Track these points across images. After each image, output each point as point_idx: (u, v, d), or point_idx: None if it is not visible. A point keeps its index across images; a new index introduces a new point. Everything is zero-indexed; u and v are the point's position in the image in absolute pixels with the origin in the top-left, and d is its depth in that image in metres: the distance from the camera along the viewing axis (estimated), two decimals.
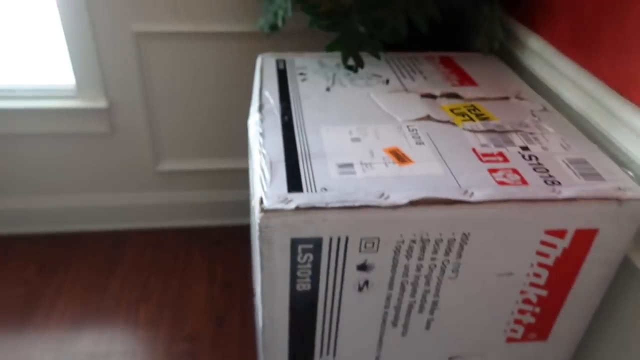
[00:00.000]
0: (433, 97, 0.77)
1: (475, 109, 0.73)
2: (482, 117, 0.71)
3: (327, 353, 0.67)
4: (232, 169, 1.57)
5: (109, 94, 1.41)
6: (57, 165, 1.52)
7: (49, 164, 1.52)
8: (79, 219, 1.62)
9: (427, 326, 0.66)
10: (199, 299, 1.43)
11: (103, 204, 1.61)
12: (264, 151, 0.61)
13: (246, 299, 1.43)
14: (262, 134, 0.65)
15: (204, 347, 1.29)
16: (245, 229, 1.66)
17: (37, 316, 1.36)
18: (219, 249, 1.60)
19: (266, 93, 0.76)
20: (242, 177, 1.60)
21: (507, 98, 0.77)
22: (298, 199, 0.53)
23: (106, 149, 1.51)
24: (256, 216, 0.53)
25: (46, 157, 1.50)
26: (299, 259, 0.56)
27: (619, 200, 0.55)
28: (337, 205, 0.52)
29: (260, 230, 0.53)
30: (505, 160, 0.61)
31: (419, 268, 0.59)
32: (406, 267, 0.59)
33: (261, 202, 0.53)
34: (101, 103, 1.41)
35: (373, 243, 0.56)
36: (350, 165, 0.59)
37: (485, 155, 0.62)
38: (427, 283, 0.61)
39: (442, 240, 0.56)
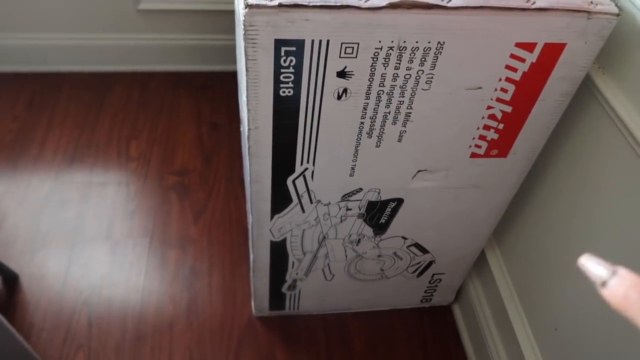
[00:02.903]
0: None
1: None
2: None
3: (307, 161, 0.73)
4: (216, 10, 1.53)
5: None
6: (37, 1, 1.47)
7: (27, 0, 1.46)
8: (63, 59, 1.61)
9: (400, 138, 0.71)
10: (188, 138, 1.48)
11: (86, 44, 1.58)
12: None
13: (233, 139, 1.49)
14: None
15: (193, 180, 1.38)
16: (231, 75, 1.67)
17: (31, 149, 1.42)
18: (206, 93, 1.63)
19: None
20: (227, 21, 1.56)
21: None
22: None
23: None
24: (241, 14, 0.55)
25: None
26: (282, 62, 0.59)
27: (588, 13, 0.58)
28: (318, 3, 0.54)
29: (245, 29, 0.55)
30: None
31: (395, 78, 0.63)
32: (383, 76, 0.62)
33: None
34: None
35: (352, 48, 0.59)
36: None
37: None
38: (402, 94, 0.65)
39: (417, 48, 0.59)
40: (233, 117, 1.55)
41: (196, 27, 1.58)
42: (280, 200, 0.80)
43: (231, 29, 1.56)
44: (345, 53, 0.59)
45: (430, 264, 1.00)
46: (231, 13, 1.53)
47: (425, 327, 1.14)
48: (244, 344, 1.09)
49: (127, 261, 1.20)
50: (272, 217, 0.83)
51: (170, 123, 1.52)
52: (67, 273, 1.17)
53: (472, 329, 1.09)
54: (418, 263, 0.99)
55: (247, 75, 0.61)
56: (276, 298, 1.06)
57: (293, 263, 0.95)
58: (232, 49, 1.60)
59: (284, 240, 0.89)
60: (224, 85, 1.65)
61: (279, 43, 0.57)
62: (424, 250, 0.96)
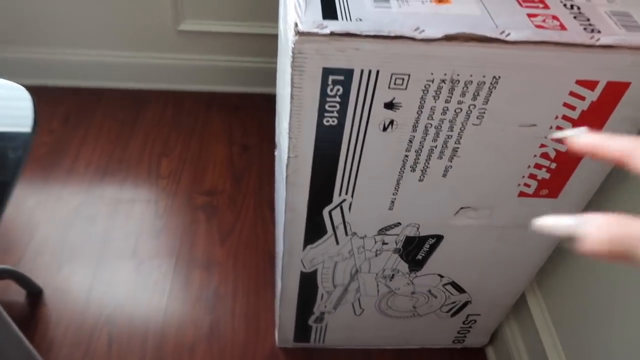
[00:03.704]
0: None
1: None
2: None
3: (346, 192, 0.71)
4: (254, 34, 1.54)
5: None
6: (80, 18, 1.49)
7: (71, 17, 1.49)
8: (101, 75, 1.63)
9: (445, 174, 0.68)
10: (218, 158, 1.48)
11: (125, 61, 1.60)
12: None
13: (264, 161, 1.48)
14: None
15: (222, 201, 1.36)
16: (263, 97, 1.66)
17: (64, 162, 1.42)
18: (238, 114, 1.62)
19: None
20: (263, 44, 1.56)
21: None
22: (333, 26, 0.52)
23: (128, 5, 1.47)
24: (290, 41, 0.53)
25: (69, 10, 1.47)
26: (328, 91, 0.57)
27: None
28: (371, 33, 0.52)
29: (294, 56, 0.53)
30: (546, 7, 0.59)
31: (444, 111, 0.60)
32: (432, 109, 0.60)
33: (296, 25, 0.52)
34: None
35: (403, 79, 0.56)
36: None
37: (525, 0, 0.60)
38: (451, 128, 0.62)
39: (471, 82, 0.57)
40: (264, 139, 1.54)
41: (232, 49, 1.59)
42: (314, 230, 0.77)
43: (266, 52, 1.56)
44: (394, 84, 0.57)
45: (466, 304, 0.95)
46: (268, 37, 1.53)
47: None
48: None
49: (151, 280, 1.19)
50: (304, 248, 0.80)
51: (202, 142, 1.51)
52: (91, 289, 1.16)
53: None
54: (453, 302, 0.95)
55: (291, 103, 0.59)
56: (302, 330, 1.02)
57: (322, 295, 0.92)
58: (267, 71, 1.60)
59: (315, 271, 0.86)
60: (256, 106, 1.65)
61: (326, 72, 0.55)
62: (460, 290, 0.91)
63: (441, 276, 0.88)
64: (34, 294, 1.14)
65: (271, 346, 1.09)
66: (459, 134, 0.63)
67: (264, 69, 1.62)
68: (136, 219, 1.31)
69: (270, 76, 1.58)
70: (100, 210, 1.32)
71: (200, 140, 1.52)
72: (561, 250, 0.86)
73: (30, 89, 0.78)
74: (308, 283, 0.88)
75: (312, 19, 0.54)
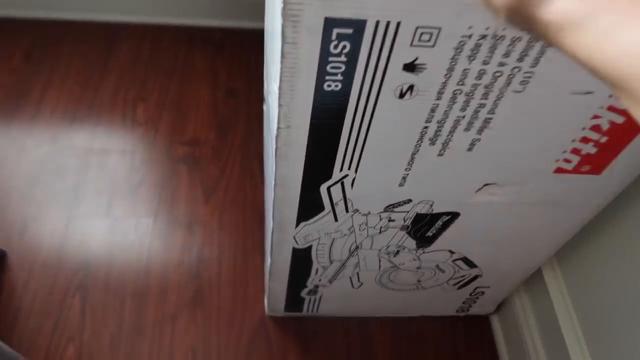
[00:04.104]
0: None
1: None
2: None
3: (349, 167, 0.58)
4: None
5: None
6: None
7: None
8: (69, 4, 1.43)
9: (470, 147, 0.56)
10: (201, 104, 1.33)
11: None
12: None
13: (252, 108, 1.33)
14: None
15: (205, 152, 1.23)
16: (253, 34, 1.49)
17: (27, 106, 1.27)
18: (223, 52, 1.45)
19: None
20: None
21: None
22: None
23: None
24: None
25: None
26: (332, 48, 0.44)
27: None
28: None
29: (285, 2, 0.39)
30: None
31: (480, 75, 0.47)
32: (465, 72, 0.46)
33: None
34: None
35: (431, 35, 0.43)
36: None
37: None
38: (485, 95, 0.49)
39: (520, 39, 0.43)
40: (252, 81, 1.39)
41: None
42: (309, 207, 0.65)
43: None
44: (419, 40, 0.43)
45: (475, 277, 0.86)
46: None
47: (457, 337, 1.02)
48: (254, 346, 0.98)
49: (127, 242, 1.08)
50: (297, 224, 0.69)
51: (183, 85, 1.35)
52: (60, 252, 1.05)
53: (512, 344, 0.97)
54: (462, 276, 0.86)
55: (282, 63, 0.45)
56: (293, 301, 0.93)
57: (317, 270, 0.82)
58: (255, 3, 1.42)
59: (309, 247, 0.75)
60: (243, 44, 1.47)
61: (330, 23, 0.41)
62: (471, 265, 0.82)
63: (452, 252, 0.78)
64: None
65: (260, 315, 1.01)
66: (494, 102, 0.50)
67: (252, 1, 1.43)
68: (110, 172, 1.18)
69: (260, 8, 1.40)
70: (69, 162, 1.18)
71: (181, 82, 1.36)
72: (590, 228, 0.75)
73: None
74: (301, 258, 0.78)
75: None
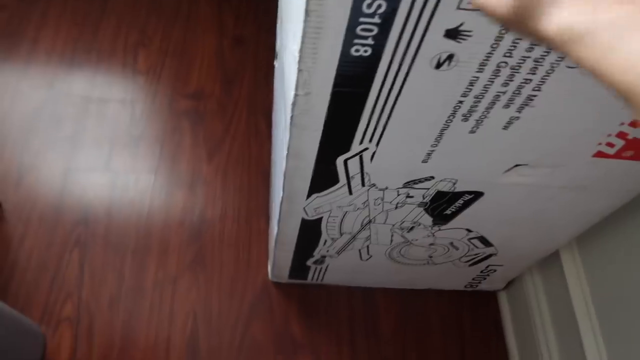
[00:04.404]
0: None
1: None
2: None
3: (370, 140, 0.53)
4: None
5: None
6: None
7: None
8: None
9: (507, 126, 0.50)
10: (206, 52, 1.25)
11: None
12: None
13: (260, 59, 1.25)
14: None
15: (209, 106, 1.17)
16: None
17: (21, 47, 1.19)
18: None
19: None
20: None
21: None
22: None
23: None
24: None
25: None
26: (364, 7, 0.37)
27: None
28: None
29: None
30: None
31: (530, 48, 0.41)
32: (514, 44, 0.40)
33: None
34: None
35: None
36: None
37: None
38: (534, 70, 0.43)
39: None
40: (261, 29, 1.30)
41: None
42: (322, 179, 0.61)
43: None
44: (468, 3, 0.37)
45: (489, 256, 0.82)
46: None
47: (464, 312, 0.99)
48: (256, 311, 0.95)
49: (127, 198, 1.04)
50: (308, 196, 0.64)
51: (187, 32, 1.27)
52: (59, 205, 1.01)
53: (519, 322, 0.94)
54: (476, 254, 0.82)
55: (305, 22, 0.39)
56: (298, 269, 0.90)
57: (325, 241, 0.78)
58: None
59: (319, 219, 0.71)
60: None
61: None
62: (487, 244, 0.78)
63: (469, 230, 0.73)
64: None
65: (263, 280, 0.98)
66: (542, 78, 0.44)
67: None
68: (109, 123, 1.12)
69: None
70: (67, 111, 1.12)
71: (185, 28, 1.28)
72: (615, 214, 0.71)
73: None
74: (310, 229, 0.74)
75: None
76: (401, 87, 0.45)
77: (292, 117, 0.50)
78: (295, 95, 0.47)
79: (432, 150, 0.55)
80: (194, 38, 1.27)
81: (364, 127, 0.51)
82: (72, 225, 1.00)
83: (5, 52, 1.18)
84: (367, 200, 0.65)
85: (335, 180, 0.60)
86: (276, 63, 0.80)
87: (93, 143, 1.09)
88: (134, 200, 1.03)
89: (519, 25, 0.23)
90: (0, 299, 0.75)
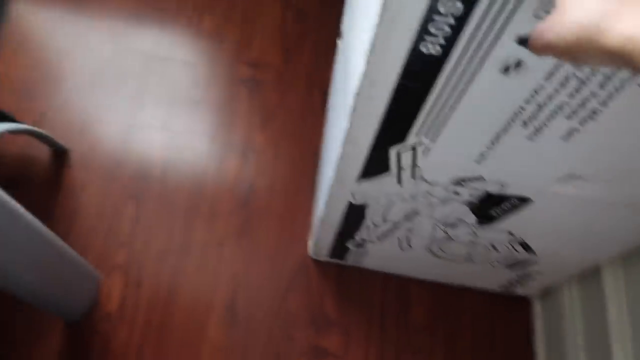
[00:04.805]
0: None
1: None
2: None
3: (426, 135, 0.54)
4: None
5: None
6: None
7: None
8: None
9: (567, 137, 0.50)
10: (269, 22, 1.26)
11: None
12: None
13: (322, 34, 1.26)
14: None
15: (268, 76, 1.19)
16: None
17: (92, 0, 1.24)
18: None
19: None
20: None
21: None
22: None
23: None
24: None
25: None
26: (439, 6, 0.38)
27: None
28: None
29: None
30: None
31: None
32: None
33: None
34: None
35: None
36: None
37: None
38: (602, 85, 0.42)
39: None
40: (325, 4, 1.30)
41: None
42: (374, 166, 0.62)
43: None
44: (544, 11, 0.37)
45: (529, 261, 0.82)
46: None
47: (496, 314, 0.99)
48: (294, 284, 0.98)
49: (182, 158, 1.08)
50: (358, 181, 0.66)
51: (252, 0, 1.28)
52: (119, 158, 1.07)
53: (551, 330, 0.94)
54: (515, 258, 0.81)
55: (380, 15, 0.40)
56: (338, 249, 0.92)
57: (368, 227, 0.79)
58: None
59: (365, 204, 0.72)
60: None
61: None
62: (528, 250, 0.77)
63: (512, 234, 0.73)
64: (59, 153, 1.06)
65: (303, 255, 1.01)
66: (611, 93, 0.43)
67: None
68: (171, 83, 1.16)
69: None
70: (132, 66, 1.17)
71: None
72: None
73: None
74: (354, 213, 0.75)
75: None
76: (465, 87, 0.46)
77: (353, 106, 0.51)
78: (361, 85, 0.48)
79: (487, 152, 0.55)
80: (259, 6, 1.28)
81: (422, 121, 0.52)
82: (130, 179, 1.05)
83: (76, 3, 1.23)
84: (415, 192, 0.66)
85: (386, 169, 0.62)
86: (340, 42, 0.81)
87: (154, 101, 1.14)
88: (189, 161, 1.08)
89: (585, 47, 0.24)
90: (63, 240, 0.81)
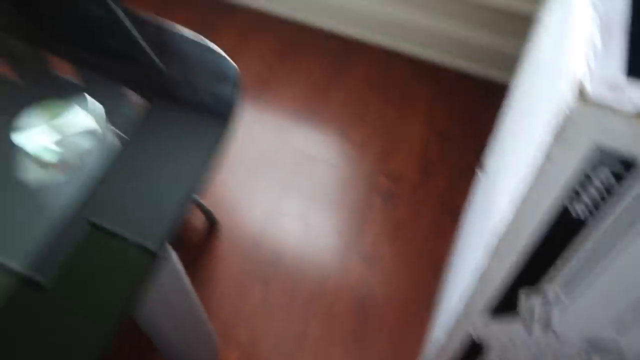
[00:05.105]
0: None
1: None
2: None
3: (564, 291, 0.52)
4: (503, 8, 1.27)
5: None
6: None
7: None
8: (315, 12, 1.55)
9: None
10: (412, 139, 1.33)
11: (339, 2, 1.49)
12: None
13: (461, 160, 1.29)
14: None
15: (403, 191, 1.24)
16: (485, 83, 1.43)
17: (267, 93, 1.41)
18: (447, 94, 1.42)
19: None
20: (508, 20, 1.29)
21: None
22: None
23: None
24: (561, 101, 0.36)
25: None
26: (592, 176, 0.39)
27: None
28: None
29: (564, 125, 0.36)
30: None
31: None
32: None
33: (581, 85, 0.35)
34: None
35: None
36: None
37: None
38: None
39: None
40: (468, 134, 1.34)
41: (468, 15, 1.35)
42: (503, 308, 0.60)
43: (509, 31, 1.30)
44: None
45: None
46: (519, 17, 1.27)
47: None
48: None
49: (312, 250, 1.14)
50: (484, 319, 0.64)
51: (400, 115, 1.37)
52: (257, 240, 1.16)
53: None
54: None
55: (536, 178, 0.42)
56: None
57: None
58: (500, 53, 1.36)
59: (487, 344, 0.70)
60: (471, 92, 1.43)
61: (600, 153, 0.37)
62: None
63: None
64: (211, 224, 1.18)
65: None
66: None
67: (498, 49, 1.36)
68: (315, 180, 1.26)
69: (503, 60, 1.34)
70: (284, 158, 1.29)
71: (399, 111, 1.38)
72: None
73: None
74: (473, 350, 0.73)
75: (608, 74, 0.35)
76: (605, 256, 0.45)
77: (497, 245, 0.52)
78: (507, 229, 0.49)
79: (631, 323, 0.51)
80: (405, 123, 1.36)
81: (561, 277, 0.50)
82: (263, 261, 1.13)
83: (256, 94, 1.41)
84: (542, 345, 0.62)
85: (514, 313, 0.60)
86: (480, 173, 0.83)
87: (297, 193, 1.23)
88: (318, 256, 1.13)
89: None
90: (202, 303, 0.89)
